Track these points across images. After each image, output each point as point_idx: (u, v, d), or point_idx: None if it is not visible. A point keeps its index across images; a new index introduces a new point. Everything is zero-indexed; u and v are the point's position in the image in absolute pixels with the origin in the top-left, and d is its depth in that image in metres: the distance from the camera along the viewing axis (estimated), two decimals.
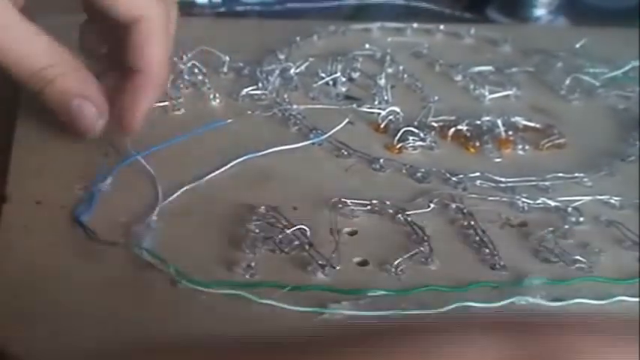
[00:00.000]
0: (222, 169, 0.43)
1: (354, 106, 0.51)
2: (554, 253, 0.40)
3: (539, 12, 0.72)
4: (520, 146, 0.49)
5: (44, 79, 0.38)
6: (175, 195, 0.40)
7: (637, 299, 0.38)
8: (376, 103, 0.52)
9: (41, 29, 0.38)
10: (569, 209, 0.43)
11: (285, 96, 0.51)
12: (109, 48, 0.43)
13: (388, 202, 0.42)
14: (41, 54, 0.38)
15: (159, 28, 0.40)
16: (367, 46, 0.60)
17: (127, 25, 0.40)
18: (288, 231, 0.38)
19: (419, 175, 0.45)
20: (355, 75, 0.56)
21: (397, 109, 0.50)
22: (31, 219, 0.37)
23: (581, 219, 0.43)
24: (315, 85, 0.53)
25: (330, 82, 0.54)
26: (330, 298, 0.35)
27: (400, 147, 0.48)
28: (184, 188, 0.40)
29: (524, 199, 0.44)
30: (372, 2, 0.71)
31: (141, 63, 0.40)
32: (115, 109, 0.41)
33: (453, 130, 0.50)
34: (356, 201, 0.41)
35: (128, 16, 0.40)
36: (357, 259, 0.38)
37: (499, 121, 0.50)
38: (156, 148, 0.43)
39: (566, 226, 0.42)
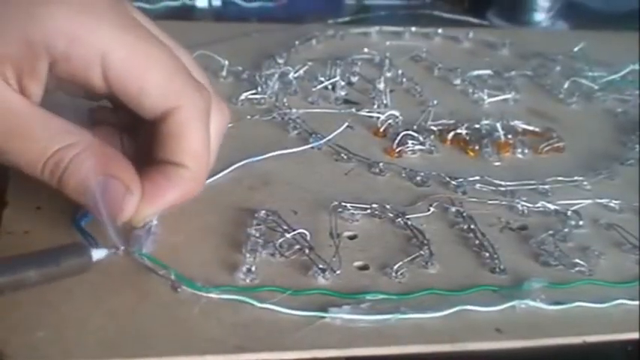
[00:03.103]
0: (222, 174, 0.43)
1: (354, 110, 0.52)
2: (554, 256, 0.40)
3: (540, 16, 0.72)
4: (519, 150, 0.50)
5: (60, 163, 0.33)
6: None
7: (636, 302, 0.38)
8: (375, 107, 0.52)
9: (53, 114, 0.33)
10: (569, 213, 0.43)
11: (285, 100, 0.51)
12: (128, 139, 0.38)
13: (388, 206, 0.42)
14: (53, 137, 0.33)
15: (197, 117, 0.35)
16: (366, 50, 0.60)
17: (159, 117, 0.35)
18: (288, 235, 0.38)
19: (418, 178, 0.45)
20: (354, 79, 0.56)
21: (396, 113, 0.51)
22: (32, 224, 0.37)
23: (581, 222, 0.43)
24: (314, 89, 0.53)
25: (329, 87, 0.54)
26: (331, 302, 0.35)
27: (399, 151, 0.48)
28: None
29: (523, 203, 0.44)
30: (372, 5, 0.71)
31: (178, 156, 0.35)
32: None
33: (452, 133, 0.50)
34: (356, 205, 0.41)
35: (161, 109, 0.34)
36: (357, 263, 0.38)
37: (498, 125, 0.51)
38: None
39: (566, 230, 0.42)
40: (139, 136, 0.37)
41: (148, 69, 0.34)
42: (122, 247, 0.35)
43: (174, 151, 0.35)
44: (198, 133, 0.35)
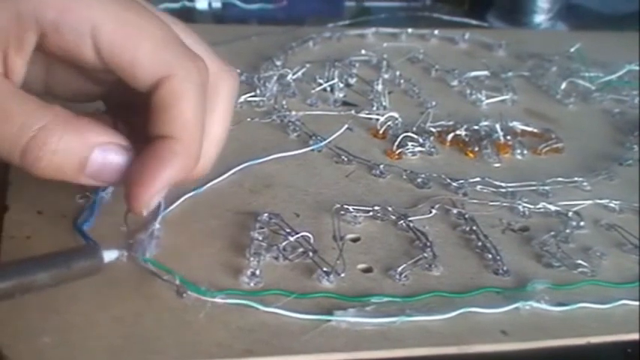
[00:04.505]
0: (223, 177, 0.43)
1: (353, 111, 0.51)
2: (557, 257, 0.40)
3: (540, 18, 0.72)
4: (518, 151, 0.50)
5: (41, 144, 0.31)
6: (177, 203, 0.40)
7: (637, 302, 0.38)
8: (374, 108, 0.52)
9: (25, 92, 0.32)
10: (570, 213, 0.43)
11: (284, 102, 0.51)
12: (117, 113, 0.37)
13: (390, 208, 0.42)
14: (30, 114, 0.31)
15: (190, 86, 0.33)
16: (363, 51, 0.60)
17: (152, 88, 0.33)
18: (291, 238, 0.38)
19: (419, 180, 0.45)
20: (352, 81, 0.56)
21: (395, 115, 0.51)
22: (33, 229, 0.37)
23: (582, 223, 0.43)
24: (312, 92, 0.53)
25: (328, 88, 0.54)
26: (336, 305, 0.35)
27: (400, 152, 0.48)
28: (186, 196, 0.40)
29: (524, 204, 0.44)
30: (372, 7, 0.71)
31: (169, 127, 0.33)
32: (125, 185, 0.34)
33: (451, 135, 0.50)
34: (358, 207, 0.41)
35: (153, 79, 0.33)
36: (361, 266, 0.38)
37: (497, 126, 0.51)
38: None
39: (567, 231, 0.42)
40: (133, 124, 0.36)
41: (138, 39, 0.33)
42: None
43: (164, 123, 0.33)
44: (190, 102, 0.33)
